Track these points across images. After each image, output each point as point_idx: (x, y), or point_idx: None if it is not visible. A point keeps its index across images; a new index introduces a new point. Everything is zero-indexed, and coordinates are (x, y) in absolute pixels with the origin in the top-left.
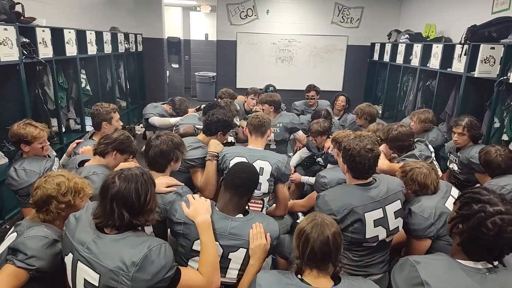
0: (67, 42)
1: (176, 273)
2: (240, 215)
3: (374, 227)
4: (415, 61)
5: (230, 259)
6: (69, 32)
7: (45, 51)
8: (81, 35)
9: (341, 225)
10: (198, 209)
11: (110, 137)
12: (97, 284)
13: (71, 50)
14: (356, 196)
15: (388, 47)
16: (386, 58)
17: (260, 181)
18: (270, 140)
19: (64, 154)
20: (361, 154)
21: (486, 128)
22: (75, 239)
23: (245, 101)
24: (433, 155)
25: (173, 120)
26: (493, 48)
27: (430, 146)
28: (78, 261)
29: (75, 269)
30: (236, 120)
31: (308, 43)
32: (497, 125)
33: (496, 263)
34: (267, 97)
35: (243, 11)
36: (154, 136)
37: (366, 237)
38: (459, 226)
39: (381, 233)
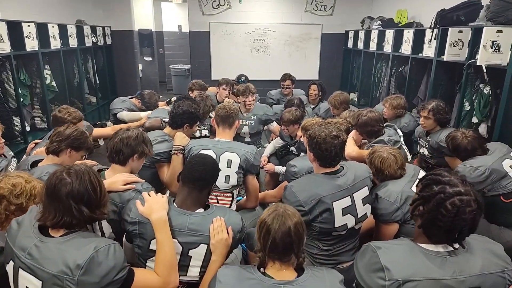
0: (26, 36)
1: (128, 274)
2: (201, 210)
3: (343, 215)
4: (387, 47)
5: (191, 256)
6: (29, 25)
7: (2, 46)
8: (42, 29)
9: (310, 216)
10: (152, 206)
11: (62, 133)
12: None
13: (31, 44)
14: (324, 185)
15: (361, 34)
16: (360, 45)
17: (228, 174)
18: (244, 133)
19: (24, 155)
20: (327, 141)
21: (456, 111)
22: (16, 245)
23: (217, 92)
24: (401, 139)
25: (143, 114)
26: (461, 31)
27: (398, 131)
28: (19, 269)
29: (16, 277)
30: (212, 114)
31: (283, 32)
32: (467, 108)
33: (456, 245)
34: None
35: (215, 1)
36: (124, 129)
37: (335, 226)
38: (419, 208)
39: (350, 221)
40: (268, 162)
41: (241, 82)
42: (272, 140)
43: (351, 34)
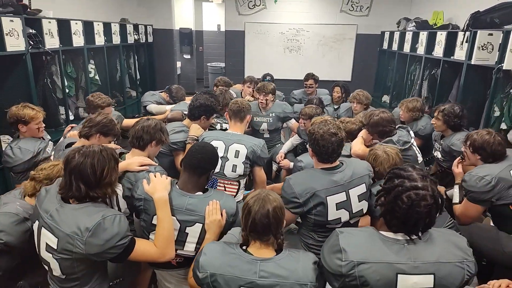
0: (74, 33)
1: (130, 242)
2: (200, 193)
3: (336, 210)
4: (420, 49)
5: (187, 233)
6: (76, 23)
7: (52, 42)
8: (88, 26)
9: (304, 208)
10: (156, 186)
11: (93, 120)
12: (55, 247)
13: (78, 40)
14: (320, 180)
15: (396, 36)
16: (395, 46)
17: (235, 164)
18: (263, 130)
19: (62, 137)
20: (324, 138)
21: (485, 116)
22: (42, 208)
23: (242, 90)
24: (412, 140)
25: (168, 107)
26: (491, 34)
27: (411, 133)
28: (42, 227)
29: (39, 234)
30: None
31: (317, 32)
32: (497, 113)
33: (414, 236)
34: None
35: (251, 1)
36: (146, 118)
37: (328, 219)
38: (381, 198)
39: (344, 216)
40: (285, 158)
41: (266, 81)
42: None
43: (386, 35)
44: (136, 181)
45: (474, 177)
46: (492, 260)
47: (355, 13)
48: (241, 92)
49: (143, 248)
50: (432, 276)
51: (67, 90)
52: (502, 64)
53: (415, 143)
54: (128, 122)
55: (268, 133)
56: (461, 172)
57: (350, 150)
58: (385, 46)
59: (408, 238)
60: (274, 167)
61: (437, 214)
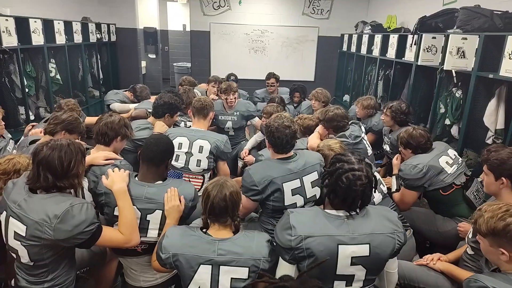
0: (33, 31)
1: (97, 229)
2: (159, 182)
3: (292, 195)
4: (376, 51)
5: (149, 221)
6: (35, 21)
7: (9, 40)
8: (48, 25)
9: (263, 195)
10: (114, 179)
11: (59, 118)
12: (24, 235)
13: (37, 39)
14: (276, 168)
15: (354, 38)
16: (353, 48)
17: (200, 158)
18: (228, 128)
19: (22, 136)
20: (279, 130)
21: (431, 113)
22: (9, 199)
23: (207, 89)
24: (363, 135)
25: (131, 106)
26: (434, 37)
27: (362, 128)
28: (10, 217)
29: (7, 224)
30: None
31: (281, 33)
32: (442, 110)
33: (353, 213)
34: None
35: (216, 2)
36: (108, 114)
37: (285, 204)
38: (326, 181)
39: (299, 201)
40: (249, 154)
41: (231, 80)
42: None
43: (345, 38)
44: (101, 174)
45: (408, 166)
46: (432, 241)
47: (316, 16)
48: (206, 91)
49: (110, 235)
50: (368, 245)
51: (26, 90)
52: (443, 65)
53: (366, 138)
54: (90, 119)
55: (233, 131)
56: (398, 163)
57: (307, 144)
58: (345, 48)
59: (348, 214)
60: (240, 163)
61: (372, 192)
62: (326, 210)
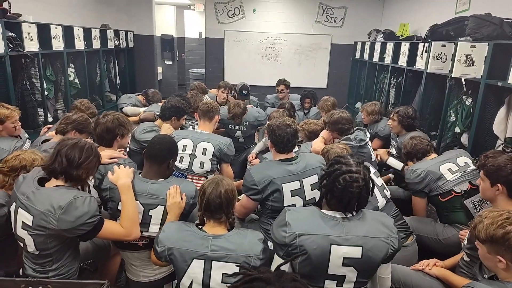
0: (53, 37)
1: (99, 221)
2: (162, 180)
3: (291, 196)
4: (387, 59)
5: (151, 216)
6: (56, 28)
7: (31, 45)
8: (68, 31)
9: (263, 195)
10: (119, 175)
11: (70, 118)
12: (31, 224)
13: (57, 44)
14: (276, 169)
15: (367, 46)
16: (366, 56)
17: (203, 160)
18: (238, 136)
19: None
20: (280, 128)
21: (441, 121)
22: (19, 191)
23: (217, 94)
24: (367, 140)
25: (141, 109)
26: (444, 45)
27: (367, 134)
28: (19, 208)
29: (16, 214)
30: None
31: (294, 41)
32: (452, 118)
33: (349, 215)
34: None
35: (231, 10)
36: (102, 115)
37: (284, 205)
38: (324, 181)
39: (298, 202)
40: (256, 158)
41: (243, 95)
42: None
43: (358, 45)
44: (106, 172)
45: (409, 171)
46: (433, 249)
47: (329, 24)
48: (216, 97)
49: (111, 227)
50: (360, 248)
51: (46, 93)
52: (451, 73)
53: (370, 143)
54: None
55: (242, 138)
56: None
57: (311, 148)
58: (358, 55)
59: (344, 216)
60: (248, 167)
61: (369, 195)
62: (322, 211)
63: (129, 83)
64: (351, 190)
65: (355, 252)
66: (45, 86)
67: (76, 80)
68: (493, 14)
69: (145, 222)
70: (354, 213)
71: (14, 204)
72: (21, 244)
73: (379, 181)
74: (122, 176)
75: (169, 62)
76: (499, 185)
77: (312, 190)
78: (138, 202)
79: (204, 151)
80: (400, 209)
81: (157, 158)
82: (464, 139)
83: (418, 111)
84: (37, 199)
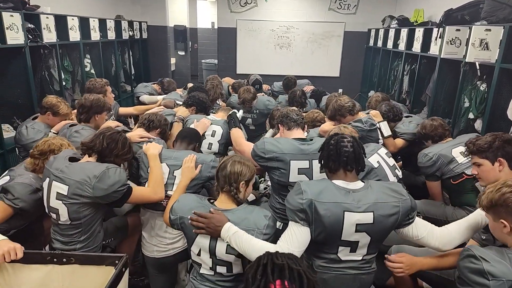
0: (70, 28)
1: (128, 189)
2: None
3: (298, 174)
4: (401, 46)
5: (175, 176)
6: (72, 19)
7: (49, 36)
8: (84, 22)
9: (268, 164)
10: (150, 147)
11: (85, 106)
12: (66, 194)
13: (74, 35)
14: (288, 145)
15: (381, 33)
16: (380, 43)
17: (211, 142)
18: (248, 124)
19: None
20: (286, 110)
21: (455, 107)
22: (52, 167)
23: (229, 85)
24: (378, 125)
25: (159, 97)
26: (458, 30)
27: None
28: (53, 181)
29: (50, 187)
30: (219, 101)
31: (306, 29)
32: (466, 104)
33: (358, 186)
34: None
35: None
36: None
37: (289, 180)
38: (323, 152)
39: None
40: None
41: (256, 89)
42: None
43: (372, 33)
44: (136, 149)
45: (421, 155)
46: None
47: (342, 11)
48: (228, 87)
49: (139, 192)
50: (372, 213)
51: (64, 83)
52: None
53: (383, 128)
54: (124, 110)
55: (253, 126)
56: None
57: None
58: (371, 43)
59: (354, 187)
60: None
61: (364, 155)
62: (334, 181)
63: (143, 73)
64: (343, 145)
65: (367, 218)
66: (63, 76)
67: (92, 71)
68: None
69: (171, 183)
70: (356, 171)
71: (47, 179)
72: (53, 216)
73: (390, 161)
74: (152, 148)
75: (182, 53)
76: (500, 159)
77: (320, 173)
78: (165, 164)
79: (213, 133)
80: (413, 195)
81: (186, 138)
82: (478, 125)
83: (432, 98)
84: (71, 171)
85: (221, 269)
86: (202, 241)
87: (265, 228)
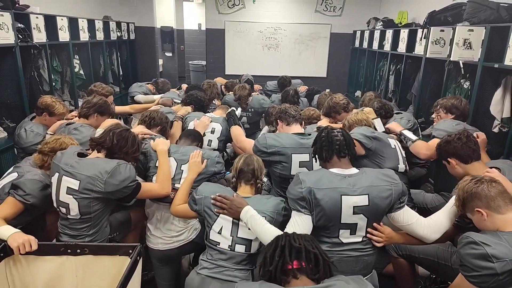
0: (60, 29)
1: (137, 185)
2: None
3: (299, 167)
4: (387, 46)
5: (183, 170)
6: (62, 19)
7: (39, 36)
8: (73, 22)
9: (270, 158)
10: (158, 143)
11: (90, 101)
12: (77, 188)
13: (63, 36)
14: (289, 140)
15: (366, 34)
16: (365, 44)
17: (211, 139)
18: (243, 122)
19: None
20: (285, 106)
21: None
22: (62, 162)
23: (222, 84)
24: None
25: (156, 97)
26: (442, 30)
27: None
28: (63, 176)
29: (59, 182)
30: (215, 101)
31: (293, 31)
32: None
33: (353, 171)
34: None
35: (231, 0)
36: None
37: (291, 173)
38: (316, 147)
39: None
40: None
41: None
42: None
43: (358, 34)
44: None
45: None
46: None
47: (328, 13)
48: (221, 86)
49: (148, 187)
50: (367, 196)
51: (53, 83)
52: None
53: (377, 125)
54: (119, 109)
55: (247, 124)
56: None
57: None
58: (357, 44)
59: (349, 173)
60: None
61: (354, 144)
62: (330, 170)
63: (131, 74)
64: (333, 134)
65: (363, 200)
66: (52, 77)
67: (81, 72)
68: None
69: (177, 177)
70: (348, 157)
71: (56, 174)
72: (62, 210)
73: (403, 152)
74: (160, 144)
75: (169, 54)
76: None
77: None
78: (173, 158)
79: (213, 130)
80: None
81: (191, 136)
82: None
83: (417, 96)
84: (82, 167)
85: (240, 248)
86: (224, 221)
87: (283, 210)
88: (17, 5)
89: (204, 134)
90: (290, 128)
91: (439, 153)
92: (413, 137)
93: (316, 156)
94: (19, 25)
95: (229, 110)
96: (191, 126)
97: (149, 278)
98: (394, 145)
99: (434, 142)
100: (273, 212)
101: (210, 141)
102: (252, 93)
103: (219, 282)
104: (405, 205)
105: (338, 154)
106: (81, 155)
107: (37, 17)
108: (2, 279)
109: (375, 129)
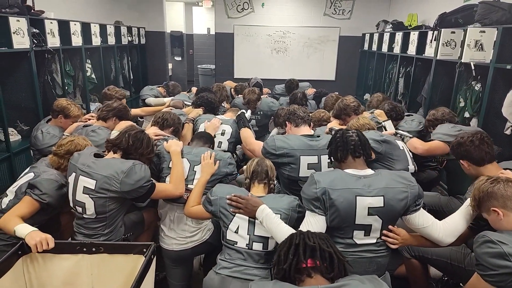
0: (73, 33)
1: (152, 185)
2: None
3: (307, 169)
4: (396, 49)
5: (196, 171)
6: (75, 24)
7: (53, 41)
8: (86, 27)
9: (278, 160)
10: (172, 144)
11: (111, 105)
12: (94, 188)
13: (76, 40)
14: (298, 142)
15: (375, 37)
16: (374, 47)
17: (221, 140)
18: (252, 125)
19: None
20: (294, 107)
21: (451, 107)
22: (78, 162)
23: (232, 88)
24: (384, 124)
25: (166, 99)
26: (453, 32)
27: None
28: (80, 176)
29: (76, 182)
30: (224, 103)
31: (302, 34)
32: (462, 104)
33: (369, 172)
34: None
35: (240, 5)
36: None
37: (300, 175)
38: (331, 147)
39: None
40: None
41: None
42: None
43: (367, 37)
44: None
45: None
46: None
47: (337, 17)
48: (231, 89)
49: (162, 187)
50: (382, 197)
51: (66, 87)
52: (461, 59)
53: (388, 127)
54: (132, 112)
55: (257, 127)
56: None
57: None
58: (366, 47)
59: (364, 174)
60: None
61: (369, 145)
62: (345, 170)
63: (141, 78)
64: (348, 135)
65: (378, 201)
66: (65, 81)
67: (93, 76)
68: (501, 0)
69: (191, 177)
70: (364, 158)
71: (73, 174)
72: (78, 210)
73: (410, 154)
74: (173, 145)
75: (179, 58)
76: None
77: (328, 168)
78: (186, 159)
79: (223, 132)
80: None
81: (203, 138)
82: (474, 123)
83: (428, 99)
84: (98, 167)
85: (257, 246)
86: (240, 220)
87: (298, 207)
88: (32, 10)
89: (215, 136)
90: (298, 129)
91: (452, 153)
92: (408, 134)
93: (332, 157)
94: (34, 30)
95: (239, 112)
96: (202, 128)
97: (160, 279)
98: (402, 147)
99: (433, 142)
100: (287, 209)
101: (220, 142)
102: (262, 96)
103: (240, 281)
104: (421, 208)
105: (353, 154)
106: (97, 155)
107: (51, 22)
108: (19, 277)
109: (385, 129)
